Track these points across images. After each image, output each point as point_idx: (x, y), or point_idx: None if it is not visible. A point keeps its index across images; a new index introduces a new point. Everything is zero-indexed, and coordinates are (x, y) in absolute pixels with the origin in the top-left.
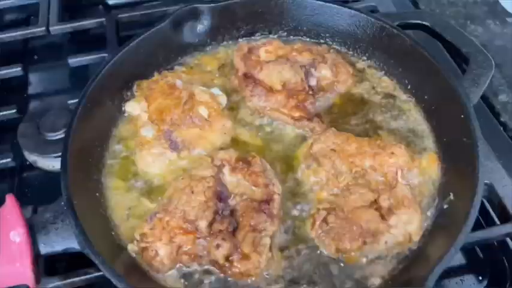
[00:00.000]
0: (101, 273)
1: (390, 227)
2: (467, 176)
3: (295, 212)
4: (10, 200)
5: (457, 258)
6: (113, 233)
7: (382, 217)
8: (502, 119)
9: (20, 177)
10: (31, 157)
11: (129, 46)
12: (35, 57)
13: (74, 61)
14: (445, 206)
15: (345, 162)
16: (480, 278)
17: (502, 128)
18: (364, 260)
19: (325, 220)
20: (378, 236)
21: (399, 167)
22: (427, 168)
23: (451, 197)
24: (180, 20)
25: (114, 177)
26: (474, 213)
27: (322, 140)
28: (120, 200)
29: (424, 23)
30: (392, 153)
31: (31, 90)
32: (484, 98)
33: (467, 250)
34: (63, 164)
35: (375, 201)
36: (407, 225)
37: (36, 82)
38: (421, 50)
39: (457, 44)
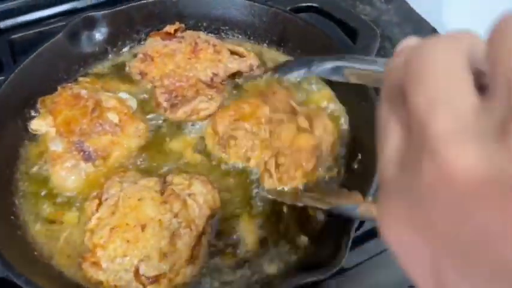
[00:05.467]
0: None
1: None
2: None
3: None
4: None
5: None
6: (36, 253)
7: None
8: None
9: None
10: None
11: (24, 64)
12: None
13: None
14: (356, 166)
15: (252, 121)
16: None
17: None
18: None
19: (276, 165)
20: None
21: (290, 98)
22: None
23: (359, 157)
24: (75, 30)
25: (28, 197)
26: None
27: (218, 120)
28: (38, 219)
29: (313, 4)
30: (274, 92)
31: None
32: None
33: None
34: None
35: (299, 127)
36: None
37: None
38: (313, 29)
39: (346, 20)
